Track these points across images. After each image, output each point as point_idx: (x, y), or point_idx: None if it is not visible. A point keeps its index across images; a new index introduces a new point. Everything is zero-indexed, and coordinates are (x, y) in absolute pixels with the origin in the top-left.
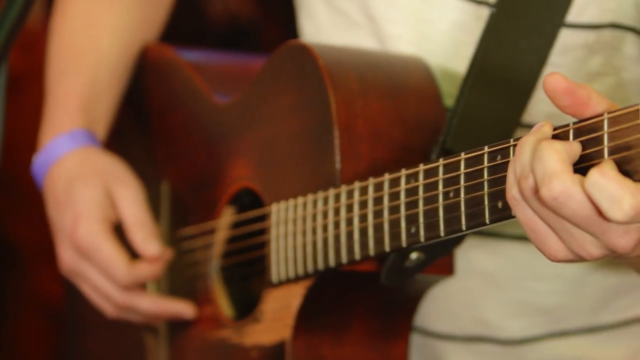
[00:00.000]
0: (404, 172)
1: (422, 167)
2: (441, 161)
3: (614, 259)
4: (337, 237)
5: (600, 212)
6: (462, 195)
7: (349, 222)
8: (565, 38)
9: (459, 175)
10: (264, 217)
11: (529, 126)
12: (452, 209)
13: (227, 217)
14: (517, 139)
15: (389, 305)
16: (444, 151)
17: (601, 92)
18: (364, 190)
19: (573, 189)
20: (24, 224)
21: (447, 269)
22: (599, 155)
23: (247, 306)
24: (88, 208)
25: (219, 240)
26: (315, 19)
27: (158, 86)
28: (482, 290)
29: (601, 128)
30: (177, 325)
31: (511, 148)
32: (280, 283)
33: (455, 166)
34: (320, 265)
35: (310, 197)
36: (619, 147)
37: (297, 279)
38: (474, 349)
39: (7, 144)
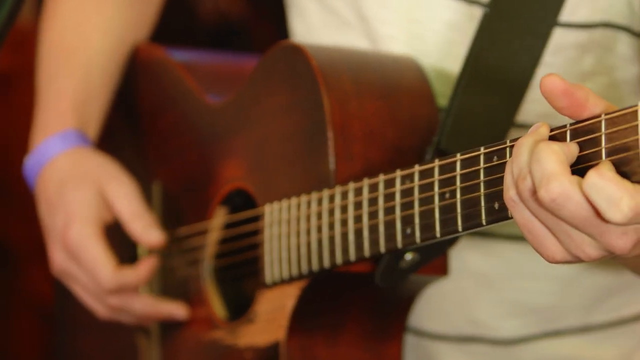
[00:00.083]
0: (399, 172)
1: (417, 168)
2: (437, 162)
3: (611, 260)
4: (331, 239)
5: (598, 214)
6: (459, 196)
7: (344, 223)
8: (558, 38)
9: (455, 176)
10: (257, 218)
11: (523, 126)
12: (448, 210)
13: (219, 218)
14: (514, 140)
15: (383, 306)
16: (438, 151)
17: (594, 91)
18: (358, 191)
19: (571, 191)
20: (15, 223)
21: (442, 270)
22: (596, 157)
23: (240, 307)
24: (80, 209)
25: (211, 241)
26: (306, 17)
27: (149, 86)
28: (476, 290)
29: (599, 129)
30: (169, 327)
31: (508, 149)
32: (274, 284)
33: (451, 167)
34: (315, 266)
35: (304, 198)
36: (617, 149)
37: (291, 280)
38: (467, 349)
39: None
